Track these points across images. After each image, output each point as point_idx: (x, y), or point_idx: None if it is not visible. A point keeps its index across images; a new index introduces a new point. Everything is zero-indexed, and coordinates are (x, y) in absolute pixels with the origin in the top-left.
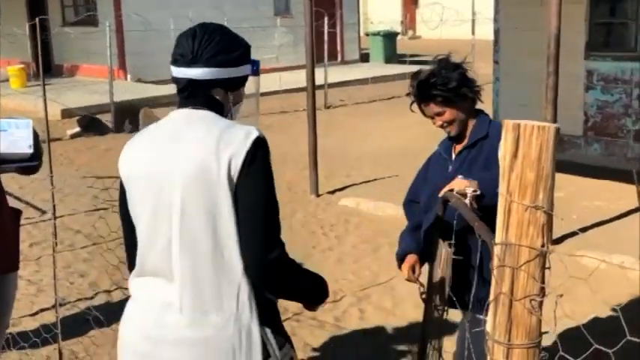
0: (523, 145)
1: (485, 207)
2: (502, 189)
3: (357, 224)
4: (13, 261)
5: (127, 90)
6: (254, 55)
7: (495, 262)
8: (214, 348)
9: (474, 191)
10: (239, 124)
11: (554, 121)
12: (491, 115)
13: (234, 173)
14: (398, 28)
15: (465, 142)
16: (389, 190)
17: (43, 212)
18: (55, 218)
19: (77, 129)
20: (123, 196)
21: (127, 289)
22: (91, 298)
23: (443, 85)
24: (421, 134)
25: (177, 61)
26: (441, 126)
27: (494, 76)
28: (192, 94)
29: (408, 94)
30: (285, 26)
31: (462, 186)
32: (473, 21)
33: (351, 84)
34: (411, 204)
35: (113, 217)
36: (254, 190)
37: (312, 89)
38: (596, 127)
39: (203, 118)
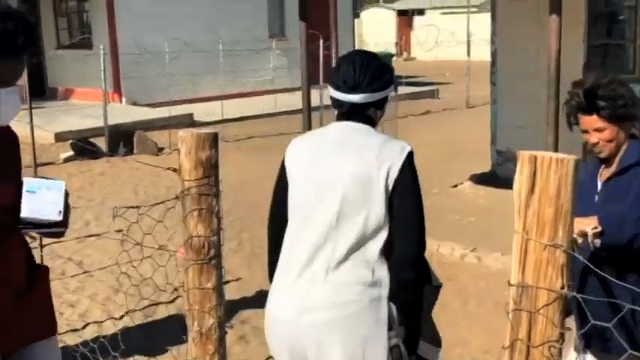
0: (540, 180)
1: (615, 245)
2: (518, 226)
3: None
4: (55, 322)
5: (122, 113)
6: (248, 77)
7: (511, 305)
8: (352, 311)
9: (595, 228)
10: (393, 139)
11: (557, 145)
12: (488, 138)
13: (391, 182)
14: (393, 50)
15: (614, 168)
16: None
17: (32, 239)
18: (43, 246)
19: (70, 153)
20: (283, 189)
21: (118, 318)
22: (81, 329)
23: (612, 99)
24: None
25: (339, 87)
26: (595, 144)
27: (492, 98)
28: (351, 113)
29: (567, 102)
30: (280, 49)
31: (581, 225)
32: (468, 42)
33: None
34: None
35: (105, 245)
36: (409, 196)
37: (308, 111)
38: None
39: (362, 130)
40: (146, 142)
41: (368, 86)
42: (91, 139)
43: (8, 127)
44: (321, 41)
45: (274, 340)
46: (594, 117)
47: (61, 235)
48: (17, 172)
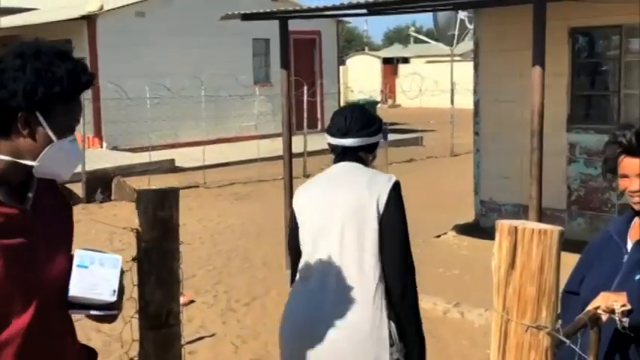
0: (521, 254)
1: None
2: (497, 305)
3: None
4: None
5: (102, 158)
6: (232, 123)
7: None
8: (358, 328)
9: (623, 305)
10: (381, 172)
11: (540, 197)
12: (472, 188)
13: (381, 206)
14: (378, 97)
15: None
16: None
17: None
18: None
19: None
20: (294, 229)
21: None
22: None
23: None
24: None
25: (334, 134)
26: (634, 192)
27: (475, 148)
28: (345, 155)
29: (609, 142)
30: (264, 95)
31: (609, 301)
32: (452, 91)
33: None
34: (567, 296)
35: None
36: (395, 218)
37: (289, 159)
38: (580, 201)
39: (354, 167)
40: (124, 188)
41: (357, 132)
42: (68, 185)
43: (63, 186)
44: (305, 88)
45: (288, 350)
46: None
47: (112, 319)
48: (69, 242)
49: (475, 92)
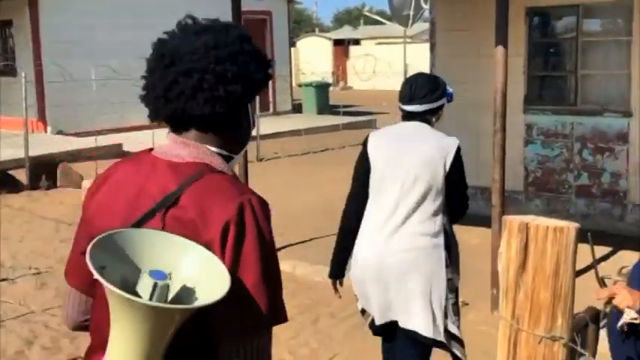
0: (534, 254)
1: None
2: (505, 312)
3: (292, 292)
4: None
5: (46, 143)
6: None
7: None
8: (420, 250)
9: (634, 319)
10: (445, 135)
11: (503, 179)
12: None
13: (448, 164)
14: (330, 79)
15: None
16: (327, 252)
17: None
18: None
19: None
20: (365, 171)
21: None
22: None
23: None
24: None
25: (401, 100)
26: None
27: None
28: (410, 117)
29: None
30: None
31: (624, 304)
32: (405, 72)
33: (284, 135)
34: None
35: (20, 289)
36: (458, 173)
37: None
38: (537, 182)
39: (422, 127)
40: (70, 175)
41: (421, 99)
42: (11, 172)
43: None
44: None
45: (360, 279)
46: None
47: None
48: None
49: (432, 73)
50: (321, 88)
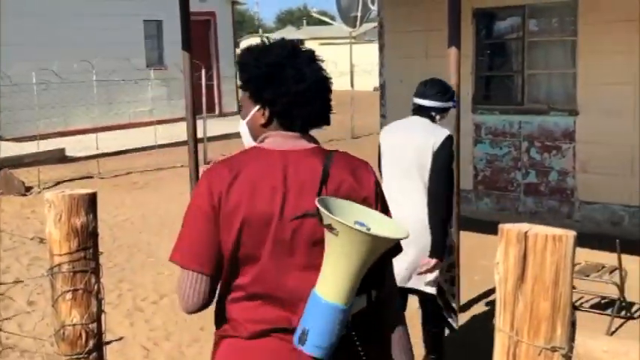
0: (533, 264)
1: None
2: (503, 324)
3: None
4: None
5: None
6: (125, 108)
7: None
8: (417, 218)
9: None
10: (441, 127)
11: (458, 180)
12: (378, 170)
13: (435, 147)
14: None
15: None
16: None
17: None
18: None
19: None
20: (378, 153)
21: None
22: None
23: None
24: None
25: (416, 95)
26: None
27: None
28: (420, 111)
29: None
30: (158, 78)
31: None
32: (351, 73)
33: (231, 137)
34: None
35: None
36: (441, 157)
37: (195, 146)
38: (486, 181)
39: (425, 121)
40: (12, 181)
41: (432, 96)
42: None
43: None
44: (203, 71)
45: None
46: None
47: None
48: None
49: (381, 74)
50: None
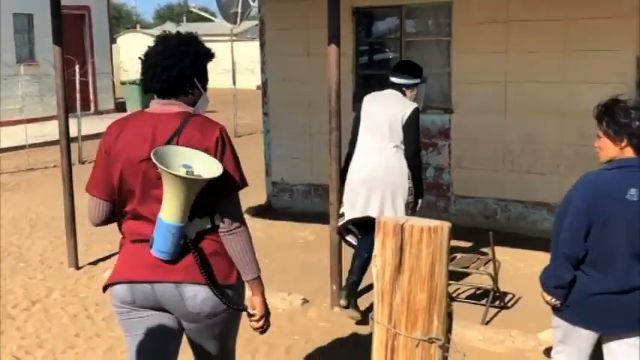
0: (410, 256)
1: None
2: (381, 316)
3: None
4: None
5: None
6: None
7: None
8: (392, 166)
9: None
10: (410, 101)
11: (339, 177)
12: (264, 169)
13: (404, 118)
14: None
15: None
16: None
17: None
18: None
19: None
20: (357, 123)
21: None
22: None
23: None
24: None
25: (390, 74)
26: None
27: (265, 128)
28: (393, 85)
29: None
30: (29, 74)
31: None
32: (233, 71)
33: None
34: None
35: None
36: (410, 123)
37: (67, 146)
38: None
39: (397, 94)
40: None
41: (402, 74)
42: None
43: None
44: (77, 67)
45: (353, 186)
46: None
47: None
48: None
49: (263, 72)
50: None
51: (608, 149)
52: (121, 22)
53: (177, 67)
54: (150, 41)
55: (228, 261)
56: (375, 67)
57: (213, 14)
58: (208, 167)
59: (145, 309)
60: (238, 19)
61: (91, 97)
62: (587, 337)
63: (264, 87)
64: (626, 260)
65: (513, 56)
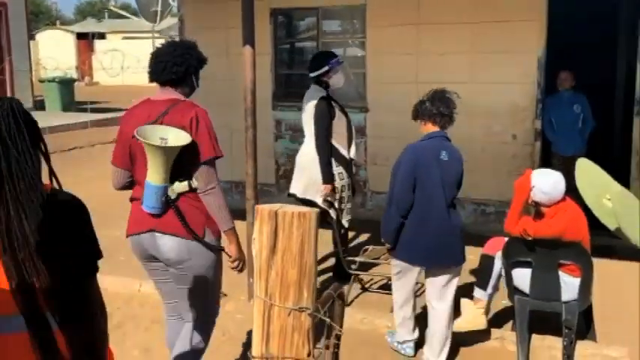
0: (282, 238)
1: None
2: (259, 291)
3: None
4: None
5: None
6: None
7: None
8: (308, 158)
9: None
10: (317, 96)
11: (255, 174)
12: None
13: (312, 111)
14: (75, 75)
15: None
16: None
17: None
18: None
19: None
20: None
21: None
22: None
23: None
24: (105, 188)
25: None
26: None
27: None
28: (313, 81)
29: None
30: None
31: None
32: None
33: None
34: None
35: None
36: (316, 118)
37: None
38: (288, 175)
39: (315, 87)
40: None
41: (312, 69)
42: None
43: None
44: None
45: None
46: None
47: None
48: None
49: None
50: (65, 84)
51: (422, 128)
52: (40, 17)
53: (185, 64)
54: (70, 38)
55: (202, 217)
56: (295, 66)
57: (135, 13)
58: (180, 138)
59: (148, 261)
60: (158, 18)
61: (8, 94)
62: (415, 271)
63: None
64: (441, 207)
65: (424, 57)
